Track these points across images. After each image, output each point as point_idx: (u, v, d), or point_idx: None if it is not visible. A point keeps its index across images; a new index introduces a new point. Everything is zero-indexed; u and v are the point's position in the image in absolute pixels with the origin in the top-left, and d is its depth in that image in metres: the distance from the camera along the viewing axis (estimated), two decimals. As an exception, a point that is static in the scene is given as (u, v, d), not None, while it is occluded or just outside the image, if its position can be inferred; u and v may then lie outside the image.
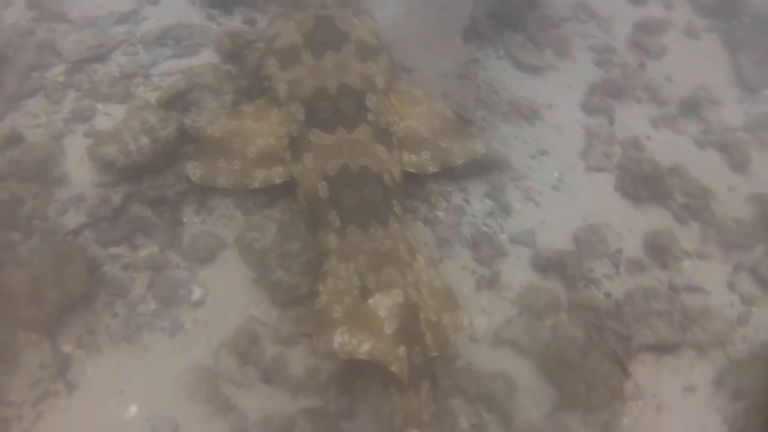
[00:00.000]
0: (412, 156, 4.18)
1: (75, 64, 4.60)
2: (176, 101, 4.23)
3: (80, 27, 4.85)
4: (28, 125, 4.32)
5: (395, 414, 3.11)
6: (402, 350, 3.10)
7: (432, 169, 4.22)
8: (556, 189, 4.62)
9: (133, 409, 3.44)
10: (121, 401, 3.45)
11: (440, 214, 4.32)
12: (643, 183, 4.53)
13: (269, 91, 4.18)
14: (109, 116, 4.33)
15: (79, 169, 4.10)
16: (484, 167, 4.54)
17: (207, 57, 4.66)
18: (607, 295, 4.08)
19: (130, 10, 4.97)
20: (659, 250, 4.28)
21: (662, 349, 3.83)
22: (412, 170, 4.14)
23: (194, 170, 3.96)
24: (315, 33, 4.20)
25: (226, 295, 3.77)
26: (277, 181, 3.98)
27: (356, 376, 3.50)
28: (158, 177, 4.05)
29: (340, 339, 3.11)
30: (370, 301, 3.22)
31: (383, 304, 3.20)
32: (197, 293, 3.76)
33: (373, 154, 3.85)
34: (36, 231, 3.90)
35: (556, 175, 4.70)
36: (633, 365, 3.75)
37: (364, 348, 3.09)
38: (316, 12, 4.33)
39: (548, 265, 4.15)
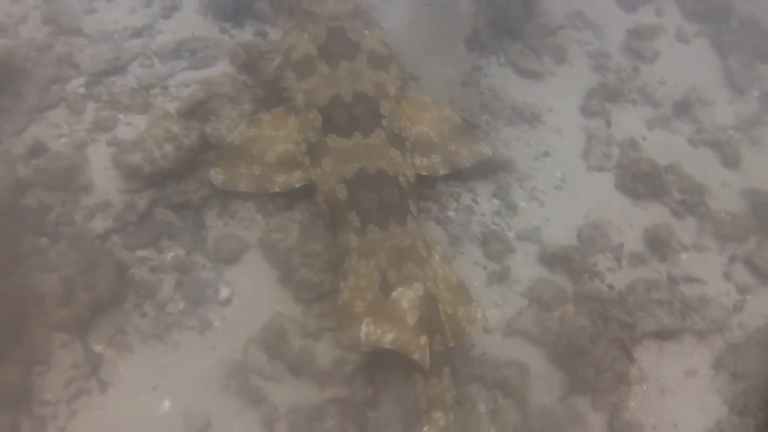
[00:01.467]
0: (424, 159, 4.47)
1: (93, 77, 4.84)
2: (196, 110, 4.49)
3: (96, 41, 5.09)
4: (51, 135, 4.55)
5: (420, 399, 3.38)
6: (423, 339, 3.37)
7: (442, 171, 4.52)
8: (559, 188, 4.92)
9: (166, 404, 3.67)
10: (154, 397, 3.69)
11: (451, 213, 4.61)
12: (642, 181, 4.84)
13: (287, 100, 4.46)
14: (130, 126, 4.58)
15: (103, 177, 4.34)
16: (491, 169, 4.83)
17: (222, 68, 4.92)
18: (611, 287, 4.38)
19: (143, 25, 5.21)
20: (658, 244, 4.58)
21: (664, 335, 4.13)
22: (424, 173, 4.44)
23: (217, 176, 4.23)
24: (328, 44, 4.48)
25: (251, 294, 4.03)
26: (297, 185, 4.26)
27: (378, 367, 3.77)
28: (182, 183, 4.29)
29: (366, 329, 3.38)
30: (394, 294, 3.49)
31: (406, 297, 3.47)
32: (224, 292, 4.01)
33: (389, 158, 4.14)
34: (63, 236, 4.14)
35: (558, 175, 5.00)
36: (637, 351, 4.05)
37: (388, 338, 3.36)
38: (327, 24, 4.61)
39: (554, 259, 4.44)
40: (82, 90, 4.78)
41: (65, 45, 5.05)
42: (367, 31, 4.68)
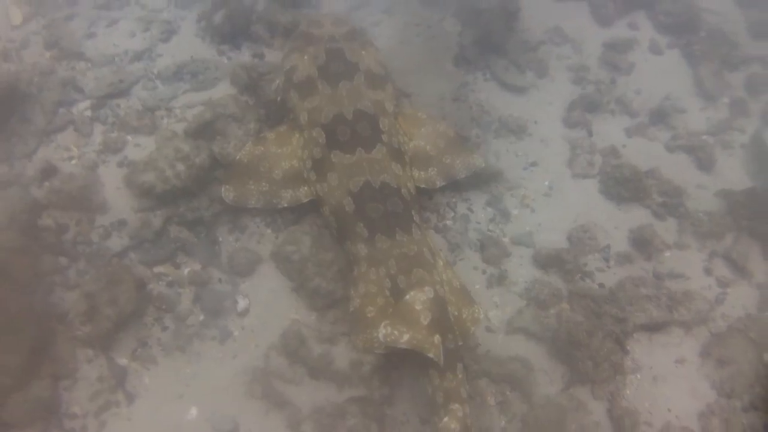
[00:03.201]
0: (422, 172, 4.83)
1: (99, 100, 5.12)
2: (203, 130, 4.80)
3: (98, 65, 5.37)
4: (62, 158, 4.83)
5: (437, 393, 3.70)
6: (437, 338, 3.70)
7: (439, 183, 4.89)
8: (548, 195, 5.31)
9: (194, 411, 3.95)
10: (181, 405, 3.97)
11: (449, 222, 4.98)
12: (624, 186, 5.26)
13: (291, 119, 4.79)
14: (139, 147, 4.87)
15: (117, 197, 4.61)
16: (484, 179, 5.21)
17: (224, 89, 5.24)
18: (601, 285, 4.77)
19: (143, 48, 5.51)
20: (643, 244, 4.99)
21: (653, 328, 4.52)
22: (422, 185, 4.80)
23: (227, 193, 4.53)
24: (328, 65, 4.82)
25: (268, 304, 4.34)
26: (304, 200, 4.59)
27: (392, 367, 4.09)
28: (194, 200, 4.60)
29: (384, 331, 3.69)
30: (407, 297, 3.82)
31: (418, 299, 3.80)
32: (242, 303, 4.30)
33: (391, 171, 4.48)
34: (82, 255, 4.40)
35: (546, 183, 5.40)
36: (630, 343, 4.43)
37: (405, 338, 3.68)
38: (326, 46, 4.96)
39: (547, 262, 4.82)
40: (88, 113, 5.06)
41: (68, 69, 5.32)
42: (363, 52, 5.04)
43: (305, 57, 4.92)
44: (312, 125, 4.63)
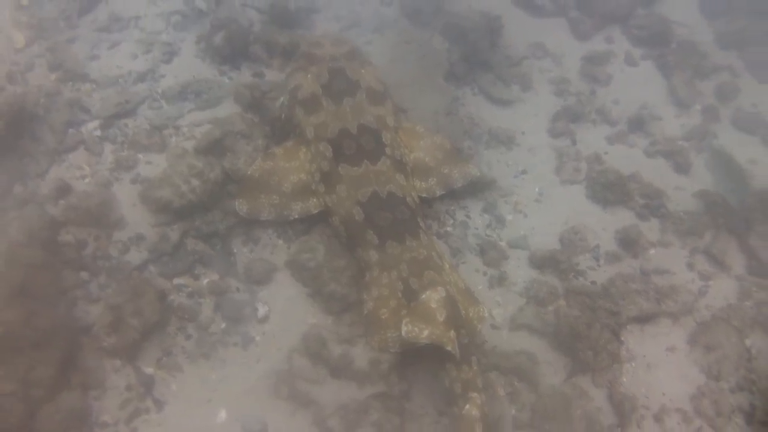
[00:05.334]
0: (422, 182, 5.26)
1: (106, 120, 5.41)
2: (213, 147, 5.13)
3: (103, 86, 5.66)
4: (74, 176, 5.11)
5: (455, 384, 4.09)
6: (453, 333, 4.09)
7: (439, 192, 5.33)
8: (539, 201, 5.78)
9: (223, 414, 4.25)
10: (210, 409, 4.27)
11: (449, 229, 5.40)
12: (610, 189, 5.76)
13: (297, 135, 5.16)
14: (151, 164, 5.18)
15: (133, 212, 4.91)
16: (479, 188, 5.66)
17: (228, 108, 5.59)
18: (593, 282, 5.24)
19: (146, 69, 5.82)
20: (629, 243, 5.48)
21: (644, 319, 5.00)
22: (423, 194, 5.22)
23: (241, 206, 4.89)
24: (331, 83, 5.22)
25: (286, 310, 4.68)
26: (314, 211, 4.96)
27: (407, 364, 4.46)
28: (208, 214, 4.93)
29: (405, 328, 4.08)
30: (423, 296, 4.21)
31: (433, 298, 4.19)
32: (262, 310, 4.63)
33: (396, 181, 4.89)
34: (102, 270, 4.68)
35: (536, 189, 5.87)
36: (624, 335, 4.90)
37: (425, 333, 4.06)
38: (328, 65, 5.36)
39: (543, 262, 5.28)
40: (98, 132, 5.34)
41: (74, 90, 5.61)
42: (363, 70, 5.45)
43: (309, 76, 5.31)
44: (318, 140, 5.01)
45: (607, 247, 5.51)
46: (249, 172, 4.98)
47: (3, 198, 4.85)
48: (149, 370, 4.39)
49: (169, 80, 5.80)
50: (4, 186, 4.93)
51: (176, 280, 4.73)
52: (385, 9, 7.07)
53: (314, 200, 4.98)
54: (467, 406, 3.92)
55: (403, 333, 4.06)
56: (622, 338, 4.87)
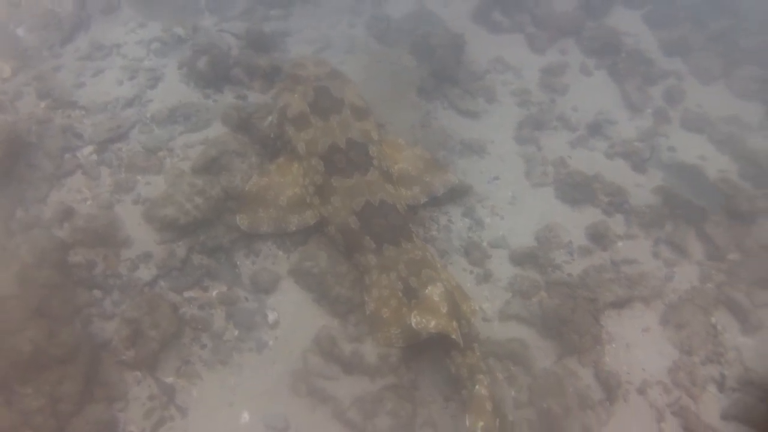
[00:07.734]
0: (408, 191, 5.80)
1: (100, 145, 5.74)
2: (210, 166, 5.53)
3: (93, 112, 6.00)
4: (75, 200, 5.43)
5: (461, 369, 4.59)
6: (455, 323, 4.62)
7: (423, 200, 5.88)
8: (513, 204, 6.41)
9: (246, 415, 4.63)
10: (233, 411, 4.65)
11: (434, 233, 5.94)
12: (577, 189, 6.47)
13: (289, 151, 5.62)
14: (150, 185, 5.54)
15: (138, 231, 5.26)
16: (458, 194, 6.25)
17: (217, 129, 6.01)
18: (570, 275, 5.87)
19: (133, 95, 6.19)
20: (598, 237, 6.16)
21: (620, 304, 5.65)
22: (409, 202, 5.75)
23: (242, 221, 5.32)
24: (317, 101, 5.72)
25: (294, 314, 5.11)
26: (311, 223, 5.43)
27: (411, 357, 4.96)
28: (212, 230, 5.32)
29: (415, 320, 4.58)
30: (426, 291, 4.73)
31: (435, 292, 4.71)
32: (272, 316, 5.05)
33: (386, 190, 5.42)
34: (114, 287, 5.01)
35: (510, 193, 6.49)
36: (603, 319, 5.53)
37: (432, 324, 4.56)
38: (313, 84, 5.87)
39: (523, 259, 5.88)
40: (94, 157, 5.67)
41: (64, 117, 5.94)
42: (345, 88, 5.99)
43: (296, 95, 5.80)
44: (310, 155, 5.50)
45: (579, 242, 6.16)
46: (246, 189, 5.41)
47: (6, 223, 5.12)
48: (169, 379, 4.73)
49: (157, 105, 6.19)
50: (5, 212, 5.20)
51: (186, 293, 5.09)
52: (353, 31, 7.66)
53: (310, 212, 5.44)
54: (476, 387, 4.44)
55: (413, 324, 4.55)
56: (602, 322, 5.50)
